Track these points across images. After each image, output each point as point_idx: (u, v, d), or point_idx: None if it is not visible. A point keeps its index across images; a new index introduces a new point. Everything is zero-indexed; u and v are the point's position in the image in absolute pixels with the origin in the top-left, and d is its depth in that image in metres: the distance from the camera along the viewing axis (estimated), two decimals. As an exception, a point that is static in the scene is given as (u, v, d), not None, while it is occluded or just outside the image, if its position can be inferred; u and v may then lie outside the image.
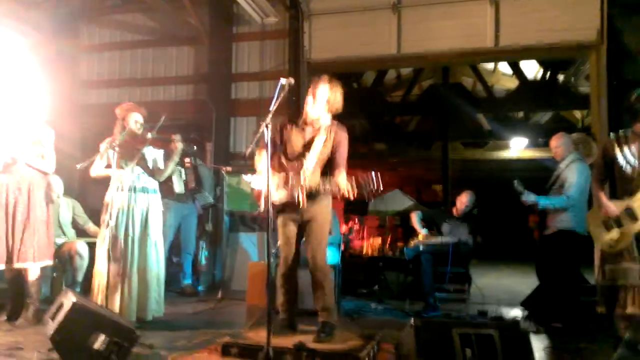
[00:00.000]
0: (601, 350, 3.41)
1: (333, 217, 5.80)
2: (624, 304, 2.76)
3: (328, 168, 3.30)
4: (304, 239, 3.32)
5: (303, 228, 3.25)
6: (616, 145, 2.95)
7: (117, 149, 3.72)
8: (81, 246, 4.60)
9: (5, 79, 3.90)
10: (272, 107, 2.86)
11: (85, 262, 4.54)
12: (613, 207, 2.92)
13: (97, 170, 3.83)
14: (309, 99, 3.24)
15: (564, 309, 4.05)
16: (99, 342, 2.52)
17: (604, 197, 2.94)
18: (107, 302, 3.51)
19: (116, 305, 3.58)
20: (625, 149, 2.91)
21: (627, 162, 2.89)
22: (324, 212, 3.25)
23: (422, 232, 5.17)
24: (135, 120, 3.91)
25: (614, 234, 2.86)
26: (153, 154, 3.99)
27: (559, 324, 4.01)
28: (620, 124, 3.13)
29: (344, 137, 3.33)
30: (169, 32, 6.95)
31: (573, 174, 4.08)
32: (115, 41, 7.24)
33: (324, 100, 3.25)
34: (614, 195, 3.08)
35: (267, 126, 2.77)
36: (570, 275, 4.19)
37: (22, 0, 6.46)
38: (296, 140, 3.31)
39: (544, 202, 4.11)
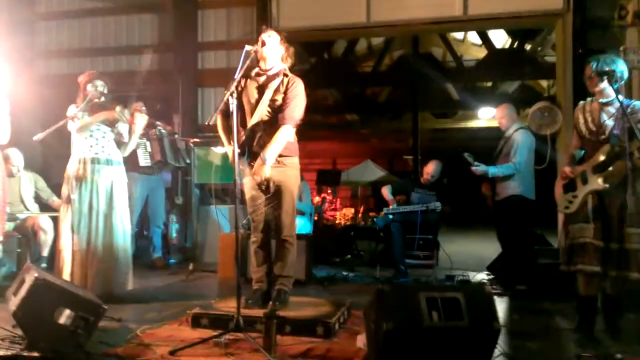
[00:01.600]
0: (563, 309, 3.56)
1: (304, 186, 5.83)
2: (582, 262, 2.88)
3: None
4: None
5: (271, 197, 3.22)
6: (579, 113, 3.04)
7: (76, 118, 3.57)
8: (44, 221, 4.48)
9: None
10: (237, 75, 2.80)
11: (50, 237, 4.43)
12: (567, 168, 3.03)
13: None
14: (259, 45, 3.11)
15: (526, 272, 4.20)
16: (64, 316, 2.46)
17: (565, 169, 3.04)
18: (72, 276, 3.44)
19: (82, 280, 3.51)
20: (587, 115, 2.99)
21: (587, 129, 2.97)
22: (291, 180, 3.21)
23: (393, 200, 5.24)
24: (95, 86, 3.75)
25: (569, 196, 2.97)
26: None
27: (522, 287, 4.16)
28: (585, 93, 3.20)
29: (299, 84, 3.17)
30: (132, -1, 6.68)
31: (517, 143, 4.29)
32: (74, 8, 6.91)
33: (275, 44, 3.17)
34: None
35: (232, 94, 2.71)
36: (525, 238, 4.37)
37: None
38: (251, 91, 3.20)
39: (492, 170, 4.32)
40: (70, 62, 6.83)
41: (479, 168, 4.35)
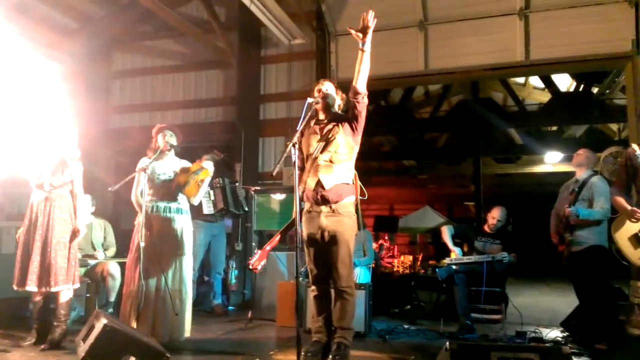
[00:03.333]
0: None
1: (368, 237, 5.75)
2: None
3: (348, 171, 3.24)
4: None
5: (327, 247, 3.20)
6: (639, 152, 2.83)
7: (147, 170, 3.76)
8: (113, 267, 4.67)
9: (39, 104, 4.03)
10: (300, 126, 2.86)
11: (117, 283, 4.60)
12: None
13: (134, 196, 3.90)
14: (319, 96, 3.22)
15: (607, 329, 3.86)
16: (130, 364, 2.52)
17: (626, 204, 2.80)
18: (138, 323, 3.51)
19: (147, 326, 3.58)
20: None
21: None
22: (346, 229, 3.19)
23: (455, 250, 5.03)
24: (165, 135, 3.95)
25: None
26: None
27: (603, 346, 3.82)
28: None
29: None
30: (199, 56, 7.11)
31: (599, 189, 4.03)
32: (146, 66, 7.45)
33: (331, 92, 3.27)
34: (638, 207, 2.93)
35: (294, 145, 2.76)
36: (607, 292, 4.03)
37: (57, 28, 6.72)
38: (311, 141, 3.28)
39: (583, 213, 4.00)
40: (142, 115, 7.29)
41: (570, 208, 4.07)
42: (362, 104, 3.18)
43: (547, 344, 4.03)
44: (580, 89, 9.36)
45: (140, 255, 3.53)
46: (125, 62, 7.61)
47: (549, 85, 9.35)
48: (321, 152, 3.19)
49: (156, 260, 3.69)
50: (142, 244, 3.53)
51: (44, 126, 3.98)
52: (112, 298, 4.62)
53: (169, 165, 3.97)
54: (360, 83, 3.16)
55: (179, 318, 3.75)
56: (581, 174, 4.24)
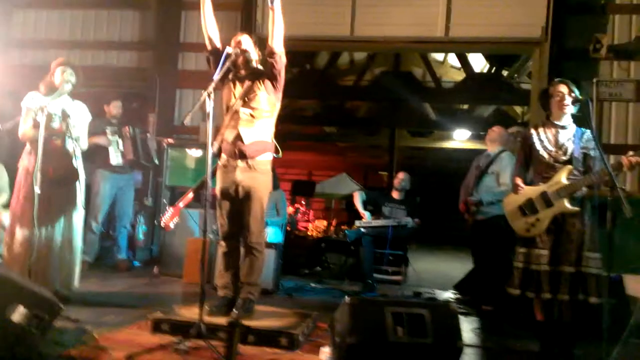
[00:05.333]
0: (526, 333, 3.58)
1: (282, 196, 5.79)
2: (536, 289, 2.90)
3: (268, 128, 3.21)
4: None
5: (240, 203, 3.18)
6: (534, 132, 3.09)
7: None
8: (5, 218, 4.28)
9: None
10: (216, 76, 2.77)
11: (7, 235, 4.25)
12: (520, 181, 3.06)
13: (24, 131, 3.56)
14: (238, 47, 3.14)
15: (494, 293, 4.23)
16: (18, 313, 2.36)
17: (520, 181, 3.07)
18: (29, 273, 3.30)
19: (36, 276, 3.36)
20: (542, 135, 3.05)
21: (544, 148, 3.02)
22: (261, 186, 3.18)
23: (365, 214, 5.24)
24: (64, 72, 3.61)
25: (530, 218, 2.97)
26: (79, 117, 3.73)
27: (489, 307, 4.19)
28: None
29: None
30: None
31: (506, 164, 4.31)
32: (54, -1, 6.78)
33: (251, 48, 3.20)
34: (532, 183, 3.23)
35: (209, 95, 2.67)
36: (502, 259, 4.40)
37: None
38: (229, 93, 3.21)
39: (487, 198, 4.29)
40: (47, 53, 6.64)
41: (472, 198, 4.35)
42: (280, 62, 3.14)
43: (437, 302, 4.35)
44: (492, 71, 9.91)
45: (33, 203, 3.27)
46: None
47: (465, 65, 9.79)
48: (242, 106, 3.12)
49: (47, 207, 3.44)
50: (38, 191, 3.27)
51: None
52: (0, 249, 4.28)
53: (63, 106, 3.62)
54: (276, 42, 3.11)
55: (67, 269, 3.57)
56: (492, 149, 4.51)
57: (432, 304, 2.98)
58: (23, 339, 2.36)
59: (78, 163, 3.68)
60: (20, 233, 3.48)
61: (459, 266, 5.41)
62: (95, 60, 6.56)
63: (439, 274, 6.61)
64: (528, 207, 3.00)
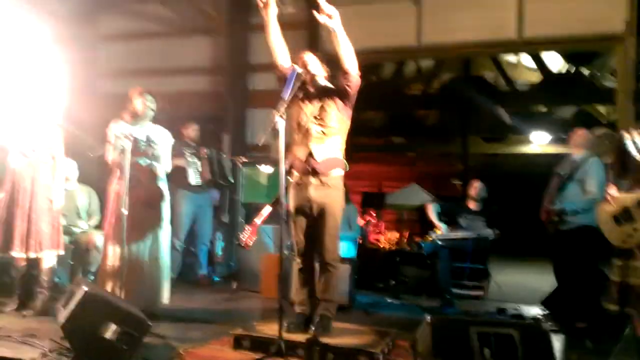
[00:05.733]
0: (624, 351, 3.28)
1: (353, 211, 5.76)
2: (636, 304, 2.65)
3: (339, 144, 3.20)
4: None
5: (314, 220, 3.18)
6: (628, 136, 2.84)
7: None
8: (100, 240, 4.56)
9: (22, 66, 3.90)
10: (287, 97, 2.80)
11: (100, 256, 4.54)
12: (620, 196, 2.82)
13: (112, 158, 3.82)
14: (303, 66, 3.15)
15: (587, 308, 3.92)
16: (110, 331, 2.50)
17: (614, 189, 2.83)
18: (120, 291, 3.50)
19: (127, 294, 3.56)
20: (638, 139, 2.80)
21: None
22: (334, 202, 3.17)
23: (441, 226, 5.07)
24: (145, 99, 3.84)
25: (627, 228, 2.73)
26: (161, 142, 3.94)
27: (582, 324, 3.89)
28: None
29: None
30: (187, 22, 6.91)
31: (594, 172, 4.00)
32: (133, 31, 7.24)
33: (317, 65, 3.21)
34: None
35: (281, 116, 2.71)
36: (592, 272, 4.08)
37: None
38: (299, 111, 3.23)
39: (571, 207, 4.02)
40: (129, 82, 7.10)
41: (555, 207, 4.11)
42: (354, 83, 3.13)
43: (526, 321, 4.10)
44: (571, 71, 9.36)
45: (122, 224, 3.48)
46: (111, 26, 7.39)
47: (541, 65, 9.33)
48: (313, 124, 3.14)
49: (136, 228, 3.64)
50: (125, 212, 3.48)
51: (26, 89, 3.87)
52: (94, 268, 4.58)
53: (147, 132, 3.85)
54: (349, 63, 3.10)
55: (156, 286, 3.74)
56: (578, 155, 4.22)
57: (522, 323, 2.82)
58: (115, 356, 2.49)
59: (163, 185, 3.89)
60: (112, 253, 3.70)
61: (545, 279, 5.06)
62: (173, 86, 6.91)
63: (524, 287, 6.23)
64: (624, 216, 2.77)
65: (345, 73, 3.09)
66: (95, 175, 6.33)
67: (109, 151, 3.79)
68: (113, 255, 3.71)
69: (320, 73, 3.24)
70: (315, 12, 2.99)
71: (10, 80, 4.00)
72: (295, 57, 3.28)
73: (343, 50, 3.06)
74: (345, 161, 3.28)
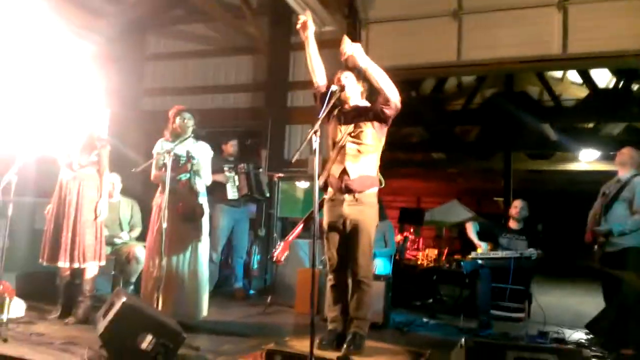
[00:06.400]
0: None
1: (389, 228, 5.71)
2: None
3: (374, 162, 3.19)
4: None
5: (347, 236, 3.18)
6: None
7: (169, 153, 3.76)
8: (139, 251, 4.69)
9: (71, 84, 4.12)
10: (322, 114, 2.83)
11: (140, 267, 4.65)
12: None
13: (154, 173, 3.96)
14: (339, 87, 3.15)
15: (635, 334, 3.73)
16: (146, 342, 2.57)
17: None
18: (158, 303, 3.59)
19: (165, 306, 3.64)
20: None
21: None
22: (368, 219, 3.16)
23: (481, 245, 4.94)
24: (183, 118, 3.97)
25: None
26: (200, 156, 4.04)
27: (629, 351, 3.69)
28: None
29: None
30: (230, 41, 7.13)
31: None
32: (178, 50, 7.52)
33: (353, 84, 3.21)
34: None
35: (315, 133, 2.74)
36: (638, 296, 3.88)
37: (91, 8, 6.84)
38: (335, 128, 3.25)
39: (618, 229, 3.88)
40: (173, 99, 7.36)
41: (600, 228, 3.99)
42: (393, 110, 3.13)
43: (568, 345, 3.92)
44: (620, 86, 9.02)
45: (162, 237, 3.58)
46: (158, 45, 7.70)
47: (587, 80, 9.03)
48: (349, 141, 3.16)
49: (175, 240, 3.74)
50: (165, 225, 3.58)
51: (75, 106, 4.08)
52: (134, 279, 4.71)
53: (188, 148, 3.96)
54: (389, 92, 3.09)
55: (195, 299, 3.82)
56: (624, 174, 4.09)
57: (561, 348, 2.70)
58: (151, 366, 2.55)
59: (203, 199, 3.99)
60: (152, 265, 3.81)
61: (590, 301, 4.85)
62: (214, 103, 7.12)
63: (568, 310, 5.99)
64: None
65: (386, 99, 3.10)
66: (139, 189, 6.59)
67: (153, 168, 3.94)
68: (153, 268, 3.81)
69: (356, 91, 3.25)
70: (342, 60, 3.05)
71: (59, 96, 4.23)
72: (333, 75, 3.31)
73: (381, 83, 3.08)
74: (381, 177, 3.27)
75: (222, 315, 4.44)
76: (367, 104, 3.30)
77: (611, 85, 9.31)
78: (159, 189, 3.97)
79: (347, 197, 3.16)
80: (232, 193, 5.44)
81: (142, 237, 5.07)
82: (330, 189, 3.26)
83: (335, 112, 3.27)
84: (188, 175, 3.92)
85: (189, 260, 3.87)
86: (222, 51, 7.23)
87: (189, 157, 3.93)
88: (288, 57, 6.68)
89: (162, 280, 3.57)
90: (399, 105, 3.14)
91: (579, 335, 4.41)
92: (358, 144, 3.15)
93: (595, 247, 4.04)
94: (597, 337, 4.22)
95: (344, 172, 3.15)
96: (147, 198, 6.48)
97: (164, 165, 3.70)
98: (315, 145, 2.77)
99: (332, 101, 2.95)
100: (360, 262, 3.14)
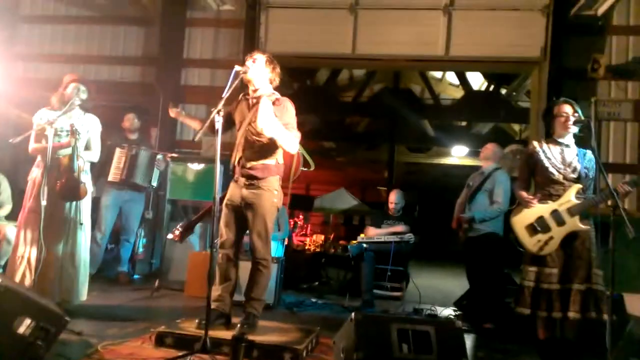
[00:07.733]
0: (527, 350, 3.59)
1: (283, 214, 5.80)
2: (546, 307, 2.91)
3: (275, 149, 3.22)
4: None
5: (244, 217, 3.21)
6: (539, 149, 3.13)
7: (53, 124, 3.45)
8: (10, 231, 4.28)
9: None
10: (225, 94, 2.81)
11: (11, 248, 4.24)
12: (529, 197, 3.10)
13: (33, 146, 3.60)
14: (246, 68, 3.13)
15: (494, 311, 4.24)
16: (24, 326, 2.37)
17: (530, 196, 3.11)
18: (33, 284, 3.31)
19: (41, 289, 3.37)
20: (548, 152, 3.10)
21: (553, 165, 3.06)
22: (265, 202, 3.20)
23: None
24: (78, 89, 3.67)
25: (543, 236, 3.00)
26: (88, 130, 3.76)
27: (489, 325, 4.19)
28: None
29: (287, 103, 3.24)
30: (119, 9, 6.65)
31: (500, 183, 4.35)
32: (59, 14, 6.85)
33: (261, 67, 3.20)
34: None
35: (218, 112, 2.71)
36: (497, 277, 4.42)
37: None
38: (242, 111, 3.26)
39: (479, 216, 4.33)
40: (52, 67, 6.71)
41: (464, 215, 4.40)
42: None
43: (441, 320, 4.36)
44: (491, 89, 10.02)
45: (39, 216, 3.29)
46: (35, 6, 6.95)
47: (463, 82, 9.91)
48: (251, 128, 3.16)
49: (54, 220, 3.46)
50: (44, 203, 3.29)
51: None
52: (3, 261, 4.29)
53: (72, 121, 3.63)
54: (287, 148, 3.12)
55: (72, 281, 3.59)
56: (487, 167, 4.56)
57: (437, 321, 3.00)
58: (29, 352, 2.37)
59: (86, 177, 3.71)
60: (25, 245, 3.49)
61: (458, 283, 5.41)
62: (99, 75, 6.61)
63: (439, 290, 6.60)
64: (540, 225, 3.02)
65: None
66: (8, 163, 5.94)
67: (31, 139, 3.57)
68: (26, 249, 3.50)
69: (262, 75, 3.23)
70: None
71: None
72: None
73: (283, 144, 3.09)
74: (309, 159, 3.34)
75: (104, 300, 4.22)
76: (275, 93, 3.28)
77: (483, 88, 10.31)
78: (36, 162, 3.63)
79: (247, 181, 3.18)
80: (113, 175, 5.11)
81: (12, 216, 4.62)
82: (234, 171, 3.28)
83: (241, 97, 3.26)
84: (70, 151, 3.60)
85: (66, 243, 3.59)
86: (109, 19, 6.72)
87: (73, 131, 3.62)
88: (183, 32, 6.40)
89: (41, 262, 3.29)
90: (298, 137, 3.21)
91: (448, 312, 4.91)
92: (259, 132, 3.16)
93: (460, 232, 4.50)
94: (464, 313, 4.74)
95: (246, 157, 3.18)
96: (16, 173, 5.90)
97: (45, 137, 3.38)
98: (218, 125, 2.75)
99: (236, 82, 2.92)
100: (257, 244, 3.19)
